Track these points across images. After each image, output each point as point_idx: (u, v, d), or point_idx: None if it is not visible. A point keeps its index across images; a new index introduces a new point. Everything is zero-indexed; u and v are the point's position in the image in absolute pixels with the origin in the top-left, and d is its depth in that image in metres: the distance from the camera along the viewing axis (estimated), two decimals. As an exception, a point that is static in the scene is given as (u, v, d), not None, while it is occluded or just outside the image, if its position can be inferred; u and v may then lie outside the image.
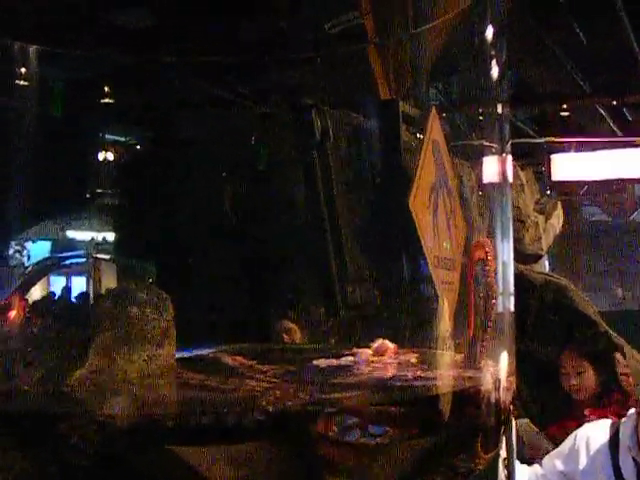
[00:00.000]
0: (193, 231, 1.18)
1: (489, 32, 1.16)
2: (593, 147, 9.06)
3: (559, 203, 5.89)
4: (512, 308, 0.82)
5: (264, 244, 1.17)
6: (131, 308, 0.69)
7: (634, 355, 3.82)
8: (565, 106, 9.10)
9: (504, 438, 0.71)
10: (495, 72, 1.13)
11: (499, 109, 0.98)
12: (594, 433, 2.61)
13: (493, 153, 0.93)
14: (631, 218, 12.90)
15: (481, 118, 1.20)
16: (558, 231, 5.81)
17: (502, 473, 0.73)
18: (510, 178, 0.90)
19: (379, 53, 1.41)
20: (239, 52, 1.15)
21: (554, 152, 9.36)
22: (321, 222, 1.15)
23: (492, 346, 0.81)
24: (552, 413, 3.47)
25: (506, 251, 0.85)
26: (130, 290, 0.71)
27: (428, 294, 1.15)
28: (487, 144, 0.94)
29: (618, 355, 3.46)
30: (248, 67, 1.19)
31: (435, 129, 1.23)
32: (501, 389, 0.76)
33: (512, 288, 0.84)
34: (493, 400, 0.70)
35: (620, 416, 2.75)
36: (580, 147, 9.38)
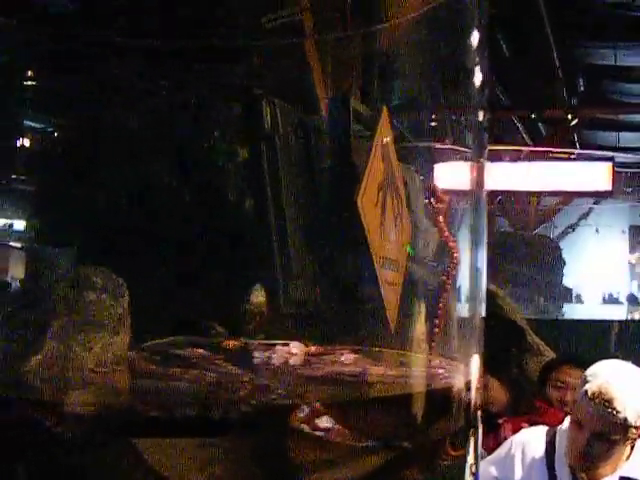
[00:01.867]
0: (122, 220, 1.15)
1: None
2: (510, 158, 9.26)
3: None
4: (482, 314, 0.82)
5: (206, 238, 1.15)
6: (88, 293, 0.66)
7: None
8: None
9: (472, 444, 0.71)
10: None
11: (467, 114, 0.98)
12: (530, 440, 2.63)
13: (462, 158, 0.93)
14: (535, 232, 13.27)
15: (434, 123, 1.21)
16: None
17: (469, 479, 0.73)
18: (483, 185, 0.90)
19: (317, 50, 1.40)
20: (176, 37, 1.12)
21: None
22: (266, 216, 1.13)
23: (444, 346, 0.81)
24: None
25: (479, 258, 0.85)
26: (86, 274, 0.68)
27: (372, 293, 1.14)
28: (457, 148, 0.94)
29: (566, 367, 3.49)
30: (184, 53, 1.16)
31: (385, 129, 1.23)
32: (453, 388, 0.75)
33: (483, 294, 0.84)
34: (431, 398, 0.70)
35: (533, 423, 2.80)
36: (495, 158, 9.59)
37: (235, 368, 0.70)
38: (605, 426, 2.29)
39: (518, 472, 2.60)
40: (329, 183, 1.16)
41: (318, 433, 0.56)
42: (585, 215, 15.28)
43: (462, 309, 0.84)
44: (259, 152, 1.11)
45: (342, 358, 0.86)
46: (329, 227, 1.14)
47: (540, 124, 10.12)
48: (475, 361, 0.76)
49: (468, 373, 0.74)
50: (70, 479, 0.53)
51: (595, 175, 7.00)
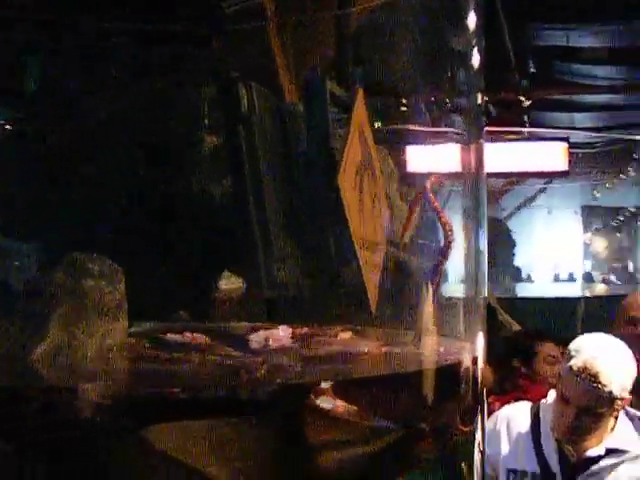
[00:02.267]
0: (96, 209, 1.13)
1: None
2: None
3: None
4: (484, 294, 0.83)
5: (187, 222, 1.14)
6: (85, 280, 0.65)
7: None
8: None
9: (479, 421, 0.71)
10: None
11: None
12: (515, 415, 2.66)
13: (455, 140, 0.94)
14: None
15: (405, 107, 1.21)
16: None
17: (477, 456, 0.73)
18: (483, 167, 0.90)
19: (278, 33, 1.39)
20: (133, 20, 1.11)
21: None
22: (246, 199, 1.12)
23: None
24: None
25: (481, 240, 0.86)
26: (81, 261, 0.67)
27: (353, 275, 1.14)
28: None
29: (546, 343, 3.53)
30: (144, 38, 1.15)
31: (361, 111, 1.23)
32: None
33: (485, 275, 0.85)
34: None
35: (519, 401, 2.83)
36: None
37: (235, 351, 0.70)
38: (592, 400, 2.35)
39: (505, 447, 2.63)
40: (308, 165, 1.16)
41: (337, 410, 0.57)
42: (533, 197, 15.43)
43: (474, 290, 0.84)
44: (237, 135, 1.10)
45: (337, 338, 0.86)
46: (308, 209, 1.14)
47: (492, 107, 10.18)
48: (479, 339, 0.77)
49: (465, 350, 0.75)
50: (91, 469, 0.53)
51: (551, 155, 7.04)
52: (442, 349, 0.78)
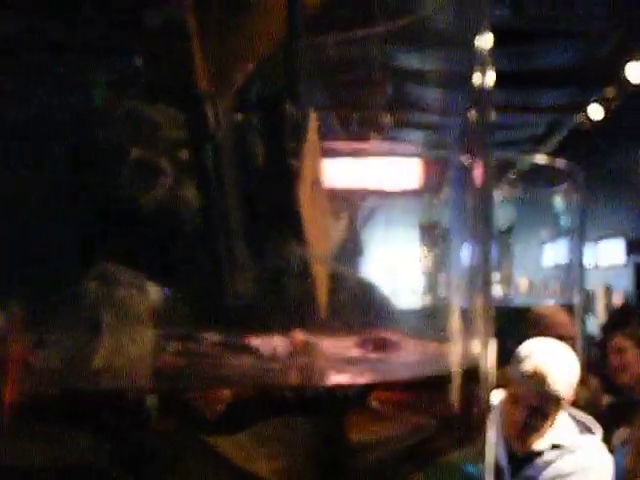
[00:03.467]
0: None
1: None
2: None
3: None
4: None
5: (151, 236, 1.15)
6: (118, 289, 0.68)
7: None
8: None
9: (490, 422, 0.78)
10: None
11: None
12: None
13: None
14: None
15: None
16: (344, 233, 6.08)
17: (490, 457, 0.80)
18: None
19: (202, 50, 1.42)
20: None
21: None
22: (211, 212, 1.15)
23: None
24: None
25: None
26: (109, 271, 0.69)
27: (311, 287, 1.19)
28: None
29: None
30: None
31: (313, 131, 1.28)
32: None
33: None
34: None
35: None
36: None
37: (253, 358, 0.73)
38: (541, 401, 2.56)
39: None
40: (265, 180, 1.19)
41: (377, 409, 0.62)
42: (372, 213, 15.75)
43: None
44: (204, 151, 1.13)
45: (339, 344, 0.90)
46: (266, 222, 1.18)
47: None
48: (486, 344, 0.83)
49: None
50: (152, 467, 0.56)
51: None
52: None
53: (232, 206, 1.18)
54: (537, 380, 2.61)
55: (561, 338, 3.53)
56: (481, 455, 0.78)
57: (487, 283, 0.90)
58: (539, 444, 2.71)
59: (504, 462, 2.69)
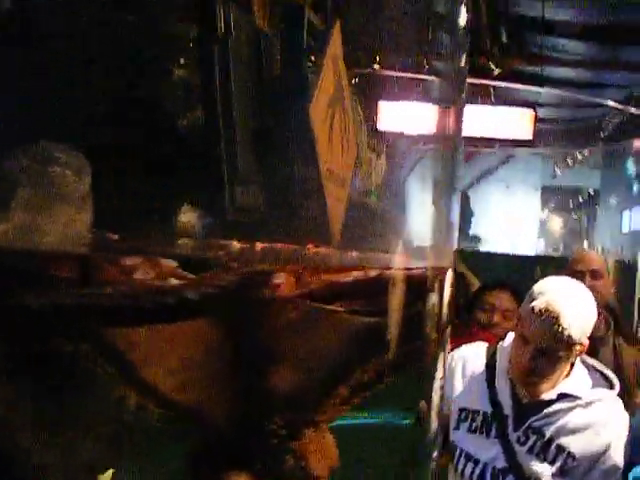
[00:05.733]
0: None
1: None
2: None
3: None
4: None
5: (152, 141, 1.12)
6: (52, 167, 0.64)
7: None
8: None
9: (441, 360, 0.73)
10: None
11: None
12: (471, 355, 2.66)
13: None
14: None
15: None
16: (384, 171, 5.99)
17: (436, 395, 0.74)
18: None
19: None
20: None
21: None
22: (215, 119, 1.11)
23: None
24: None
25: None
26: (49, 150, 0.66)
27: (317, 205, 1.15)
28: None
29: (495, 291, 3.62)
30: None
31: (337, 43, 1.22)
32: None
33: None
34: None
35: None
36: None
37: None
38: (550, 342, 2.34)
39: (458, 386, 2.63)
40: (280, 92, 1.14)
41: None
42: (493, 169, 15.43)
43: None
44: (218, 54, 1.09)
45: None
46: (278, 135, 1.13)
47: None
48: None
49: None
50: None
51: (516, 122, 6.96)
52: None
53: (240, 116, 1.14)
54: (548, 318, 2.34)
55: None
56: (423, 387, 0.72)
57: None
58: (547, 392, 2.46)
59: (508, 409, 2.48)
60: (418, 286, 0.72)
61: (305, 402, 0.58)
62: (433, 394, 0.74)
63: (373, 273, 0.72)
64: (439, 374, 0.75)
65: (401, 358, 0.66)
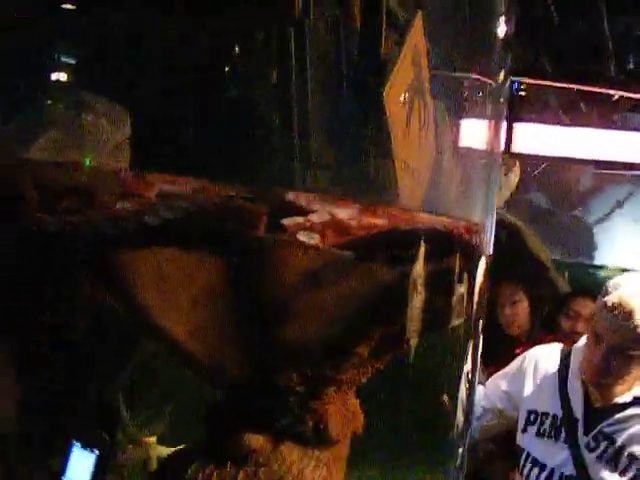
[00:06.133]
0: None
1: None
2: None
3: (517, 161, 5.93)
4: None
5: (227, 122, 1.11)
6: (86, 114, 0.63)
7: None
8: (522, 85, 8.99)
9: (470, 352, 0.68)
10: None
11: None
12: (544, 355, 2.52)
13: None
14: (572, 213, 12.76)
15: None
16: (513, 188, 5.85)
17: (464, 386, 0.69)
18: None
19: None
20: None
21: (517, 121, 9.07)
22: (290, 102, 1.10)
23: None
24: (491, 353, 3.43)
25: None
26: (86, 98, 0.65)
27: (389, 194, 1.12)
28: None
29: (580, 298, 3.48)
30: None
31: (418, 33, 1.19)
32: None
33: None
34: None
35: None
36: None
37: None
38: (624, 339, 2.16)
39: (529, 386, 2.49)
40: (356, 78, 1.12)
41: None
42: (621, 203, 14.81)
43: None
44: (294, 37, 1.07)
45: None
46: (353, 121, 1.11)
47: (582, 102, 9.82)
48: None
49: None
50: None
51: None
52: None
53: (314, 98, 1.12)
54: (621, 313, 2.13)
55: None
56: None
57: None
58: (621, 395, 2.24)
59: (579, 412, 2.29)
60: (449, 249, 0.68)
61: (321, 357, 0.54)
62: (460, 386, 0.69)
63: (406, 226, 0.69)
64: (467, 366, 0.70)
65: (426, 322, 0.61)
